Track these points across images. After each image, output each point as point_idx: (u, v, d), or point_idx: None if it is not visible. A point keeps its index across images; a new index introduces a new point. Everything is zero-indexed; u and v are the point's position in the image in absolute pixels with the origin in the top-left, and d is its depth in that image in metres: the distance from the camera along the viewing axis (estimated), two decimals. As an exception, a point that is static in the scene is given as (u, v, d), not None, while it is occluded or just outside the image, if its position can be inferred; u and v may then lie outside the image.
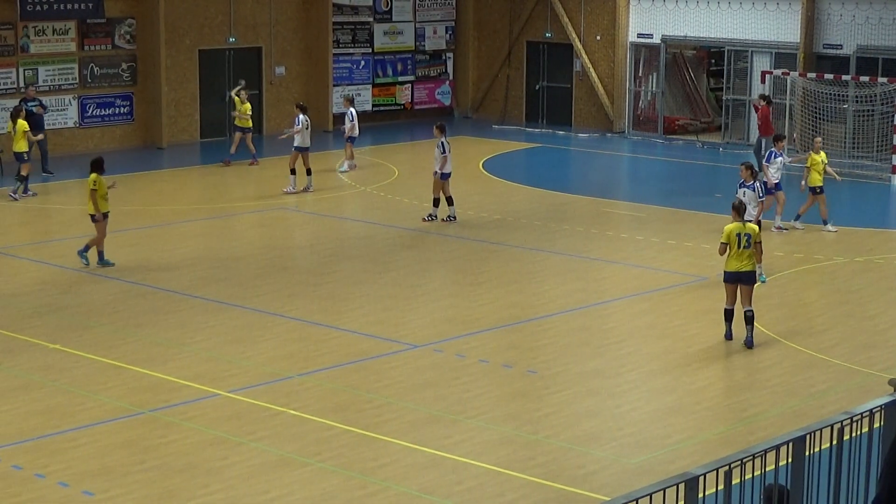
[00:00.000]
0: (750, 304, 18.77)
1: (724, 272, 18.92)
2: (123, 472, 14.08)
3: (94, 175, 22.83)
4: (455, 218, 26.81)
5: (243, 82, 34.89)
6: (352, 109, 33.52)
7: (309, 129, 30.29)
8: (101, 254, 22.96)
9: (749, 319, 18.74)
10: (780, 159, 26.00)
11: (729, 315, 18.96)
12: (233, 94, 34.43)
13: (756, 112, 33.41)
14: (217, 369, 17.61)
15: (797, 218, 26.21)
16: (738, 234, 18.60)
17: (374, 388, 16.92)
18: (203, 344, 18.78)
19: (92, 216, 22.94)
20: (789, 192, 26.69)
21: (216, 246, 25.03)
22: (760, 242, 19.10)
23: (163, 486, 13.78)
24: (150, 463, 14.37)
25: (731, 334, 18.94)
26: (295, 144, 30.05)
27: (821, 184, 26.03)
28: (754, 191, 22.32)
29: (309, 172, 29.96)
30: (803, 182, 26.36)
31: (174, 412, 16.01)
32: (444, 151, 26.58)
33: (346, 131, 33.03)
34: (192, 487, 13.75)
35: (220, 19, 37.57)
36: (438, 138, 26.77)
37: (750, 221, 20.00)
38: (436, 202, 26.86)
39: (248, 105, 33.96)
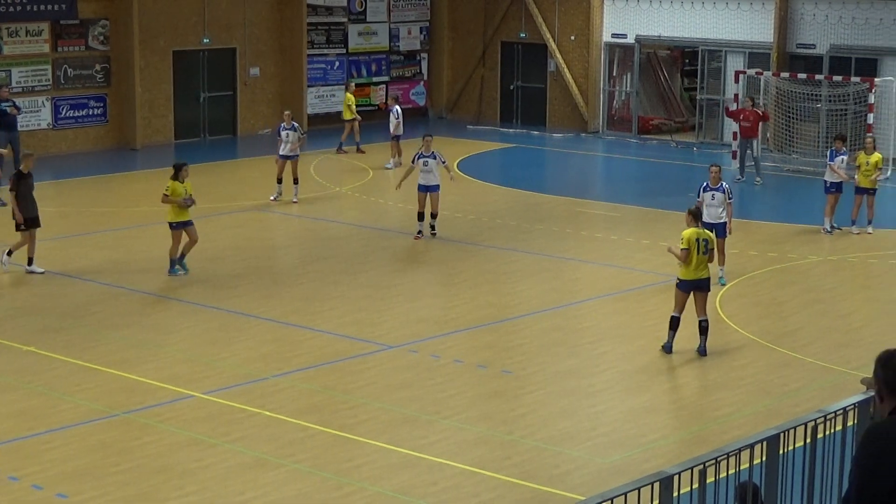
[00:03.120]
0: (705, 314, 18.23)
1: (681, 280, 18.16)
2: (98, 475, 14.04)
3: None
4: (422, 234, 25.58)
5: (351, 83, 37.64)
6: (397, 107, 33.74)
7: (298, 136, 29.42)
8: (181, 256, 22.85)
9: (704, 329, 18.20)
10: (840, 158, 26.14)
11: (675, 323, 18.20)
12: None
13: (732, 116, 33.18)
14: (192, 371, 17.58)
15: (869, 223, 26.21)
16: (698, 240, 17.99)
17: (350, 389, 16.92)
18: (178, 346, 18.74)
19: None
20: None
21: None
22: (714, 249, 18.54)
23: (138, 487, 13.76)
24: (126, 465, 14.33)
25: (671, 347, 18.25)
26: (282, 153, 29.06)
27: (865, 185, 26.01)
28: (724, 192, 21.79)
29: (296, 181, 29.06)
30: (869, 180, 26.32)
31: (149, 414, 15.97)
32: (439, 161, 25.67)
33: (392, 129, 33.36)
34: (168, 489, 13.73)
35: (193, 20, 37.48)
36: (430, 150, 25.53)
37: (709, 225, 19.81)
38: (421, 216, 25.62)
39: (350, 96, 36.15)
